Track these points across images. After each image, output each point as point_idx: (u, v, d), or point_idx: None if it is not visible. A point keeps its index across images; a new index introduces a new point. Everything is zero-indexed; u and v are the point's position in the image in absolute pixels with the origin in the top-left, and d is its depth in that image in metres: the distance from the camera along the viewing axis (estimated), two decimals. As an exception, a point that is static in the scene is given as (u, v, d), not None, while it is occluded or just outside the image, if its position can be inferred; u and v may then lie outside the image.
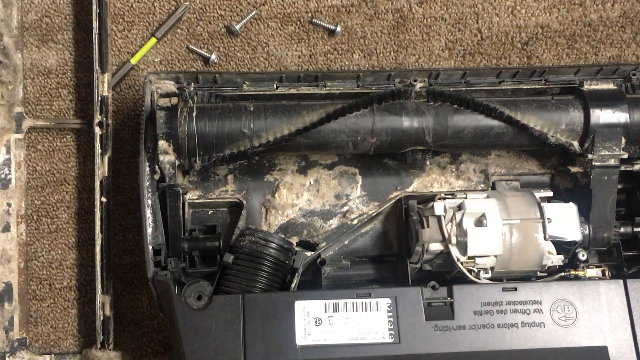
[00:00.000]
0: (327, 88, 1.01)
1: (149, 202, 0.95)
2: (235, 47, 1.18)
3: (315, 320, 0.90)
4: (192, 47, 1.18)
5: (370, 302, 0.91)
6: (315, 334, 0.89)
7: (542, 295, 0.92)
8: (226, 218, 1.03)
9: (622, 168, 0.98)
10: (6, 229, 1.12)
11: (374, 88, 1.01)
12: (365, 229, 1.05)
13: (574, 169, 1.00)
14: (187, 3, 1.18)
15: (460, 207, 0.95)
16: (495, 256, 0.93)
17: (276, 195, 1.02)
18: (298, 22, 1.19)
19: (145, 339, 1.12)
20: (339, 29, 1.18)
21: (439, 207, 0.95)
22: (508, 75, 1.04)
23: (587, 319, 0.91)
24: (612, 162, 0.97)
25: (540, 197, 0.97)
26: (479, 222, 0.93)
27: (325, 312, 0.90)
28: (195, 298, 0.90)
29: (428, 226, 0.96)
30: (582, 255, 0.97)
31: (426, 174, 1.04)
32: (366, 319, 0.90)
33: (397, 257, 1.03)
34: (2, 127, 1.12)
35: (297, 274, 0.96)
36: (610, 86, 1.00)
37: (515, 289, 0.92)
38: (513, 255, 0.94)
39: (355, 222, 1.02)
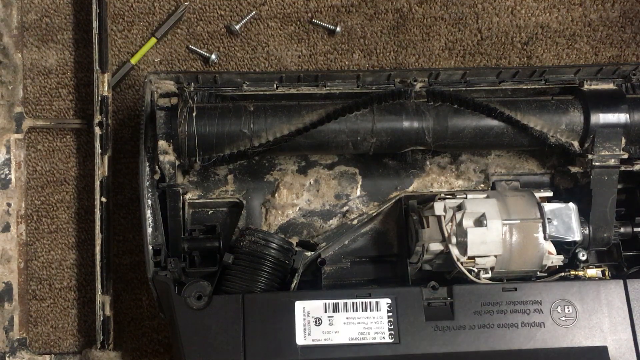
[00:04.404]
0: (327, 88, 1.01)
1: (149, 202, 0.95)
2: (235, 47, 1.18)
3: (315, 320, 0.90)
4: (192, 47, 1.18)
5: (370, 302, 0.91)
6: (315, 334, 0.89)
7: (542, 295, 0.92)
8: (226, 218, 1.03)
9: (622, 168, 0.98)
10: (6, 229, 1.12)
11: (374, 88, 1.01)
12: (365, 229, 1.05)
13: (574, 169, 1.00)
14: (187, 3, 1.18)
15: (460, 207, 0.95)
16: (495, 256, 0.93)
17: (276, 195, 1.02)
18: (298, 22, 1.19)
19: (145, 339, 1.12)
20: (339, 29, 1.18)
21: (439, 207, 0.95)
22: (508, 75, 1.04)
23: (587, 319, 0.91)
24: (612, 162, 0.97)
25: (540, 197, 0.97)
26: (479, 222, 0.93)
27: (325, 312, 0.90)
28: (195, 298, 0.90)
29: (428, 226, 0.96)
30: (582, 255, 0.97)
31: (426, 174, 1.04)
32: (366, 319, 0.90)
33: (397, 257, 1.03)
34: (2, 127, 1.12)
35: (297, 274, 0.96)
36: (610, 86, 1.00)
37: (515, 289, 0.92)
38: (513, 255, 0.94)
39: (355, 222, 1.02)
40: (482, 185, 1.05)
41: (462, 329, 0.90)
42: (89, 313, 1.12)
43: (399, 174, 1.04)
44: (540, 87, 1.04)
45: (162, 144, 0.93)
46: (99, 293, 1.05)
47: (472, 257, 0.93)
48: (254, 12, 1.18)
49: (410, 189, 1.04)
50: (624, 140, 0.98)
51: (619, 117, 0.97)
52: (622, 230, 1.01)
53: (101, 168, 1.08)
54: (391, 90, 0.97)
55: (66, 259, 1.14)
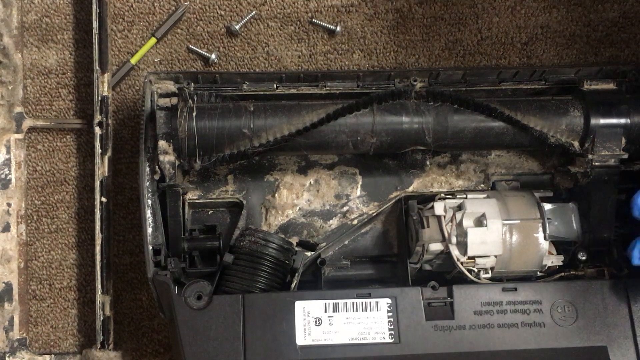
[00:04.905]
0: (327, 88, 1.01)
1: (149, 202, 0.95)
2: (235, 47, 1.18)
3: (315, 320, 0.90)
4: (192, 47, 1.18)
5: (370, 302, 0.91)
6: (315, 334, 0.89)
7: (542, 295, 0.92)
8: (226, 218, 1.03)
9: (622, 168, 0.98)
10: (6, 229, 1.12)
11: (374, 88, 1.01)
12: (365, 229, 1.05)
13: (574, 169, 1.00)
14: (187, 3, 1.18)
15: (460, 207, 0.95)
16: (495, 256, 0.93)
17: (276, 195, 1.02)
18: (298, 22, 1.19)
19: (145, 339, 1.12)
20: (339, 29, 1.18)
21: (439, 207, 0.95)
22: (508, 75, 1.04)
23: (587, 319, 0.91)
24: (612, 162, 0.97)
25: (540, 197, 0.97)
26: (479, 222, 0.93)
27: (326, 312, 0.90)
28: (195, 298, 0.90)
29: (428, 226, 0.96)
30: (582, 255, 0.97)
31: (426, 174, 1.04)
32: (366, 319, 0.90)
33: (397, 257, 1.03)
34: (2, 127, 1.12)
35: (297, 274, 0.96)
36: (610, 86, 1.00)
37: (515, 289, 0.92)
38: (513, 255, 0.94)
39: (355, 222, 1.02)
40: (482, 185, 1.05)
41: (462, 329, 0.90)
42: (89, 313, 1.12)
43: (399, 174, 1.04)
44: (540, 87, 1.04)
45: (162, 144, 0.93)
46: (99, 293, 1.05)
47: (472, 257, 0.93)
48: (254, 12, 1.18)
49: (410, 189, 1.04)
50: (624, 140, 0.97)
51: (619, 117, 0.97)
52: (622, 230, 1.01)
53: (101, 168, 1.08)
54: (391, 90, 0.97)
55: (66, 259, 1.14)
